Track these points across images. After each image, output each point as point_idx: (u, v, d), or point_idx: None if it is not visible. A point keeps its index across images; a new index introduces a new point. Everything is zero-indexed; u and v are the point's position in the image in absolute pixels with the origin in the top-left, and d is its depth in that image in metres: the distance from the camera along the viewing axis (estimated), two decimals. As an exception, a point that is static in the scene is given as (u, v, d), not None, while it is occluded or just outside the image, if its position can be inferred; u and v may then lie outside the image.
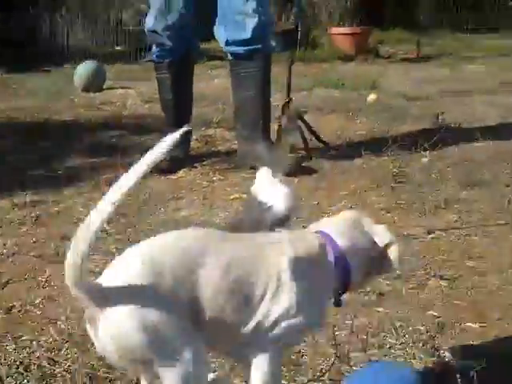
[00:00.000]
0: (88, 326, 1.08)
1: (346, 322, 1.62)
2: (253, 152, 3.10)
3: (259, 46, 3.09)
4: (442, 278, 1.84)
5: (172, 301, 1.06)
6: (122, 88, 5.82)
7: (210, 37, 3.52)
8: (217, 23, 3.18)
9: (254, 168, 3.06)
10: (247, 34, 3.05)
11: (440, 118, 4.22)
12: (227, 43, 3.14)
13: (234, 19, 3.06)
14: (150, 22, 3.20)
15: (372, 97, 5.23)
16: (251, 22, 3.04)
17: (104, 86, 5.85)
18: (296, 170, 3.00)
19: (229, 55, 3.22)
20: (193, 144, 3.63)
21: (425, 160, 3.26)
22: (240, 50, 3.10)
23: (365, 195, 2.71)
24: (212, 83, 6.57)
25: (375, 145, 3.51)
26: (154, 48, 3.27)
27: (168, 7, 3.10)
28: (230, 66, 3.22)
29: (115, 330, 1.04)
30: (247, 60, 3.11)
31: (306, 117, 4.53)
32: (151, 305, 1.05)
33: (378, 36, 10.99)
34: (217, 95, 5.44)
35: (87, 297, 1.05)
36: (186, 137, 3.40)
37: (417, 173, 3.02)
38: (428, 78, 6.82)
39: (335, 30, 9.54)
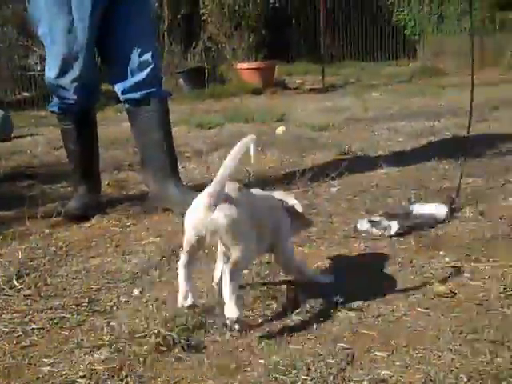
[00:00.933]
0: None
1: (259, 360, 1.63)
2: (164, 195, 3.12)
3: (153, 89, 3.12)
4: (350, 309, 1.89)
5: (250, 215, 1.84)
6: (31, 135, 5.72)
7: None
8: (112, 73, 3.19)
9: (168, 210, 3.07)
10: (141, 79, 3.08)
11: (346, 146, 4.36)
12: (123, 92, 3.14)
13: (128, 68, 3.09)
14: (52, 73, 3.10)
15: (281, 129, 5.34)
16: (145, 69, 3.08)
17: (12, 135, 5.73)
18: None
19: (126, 104, 3.22)
20: (104, 189, 3.60)
21: (333, 190, 3.35)
22: (136, 95, 3.11)
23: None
24: (122, 126, 6.51)
25: (285, 177, 3.58)
26: (55, 99, 3.22)
27: (73, 58, 3.03)
28: (129, 114, 3.23)
29: (228, 214, 1.77)
30: (144, 105, 3.13)
31: (217, 153, 4.63)
32: (245, 213, 1.82)
33: (285, 69, 11.25)
34: (127, 138, 5.40)
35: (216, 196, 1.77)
36: (96, 183, 3.38)
37: (326, 203, 3.09)
38: (334, 107, 7.02)
39: (241, 65, 9.70)
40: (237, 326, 1.78)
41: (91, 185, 3.31)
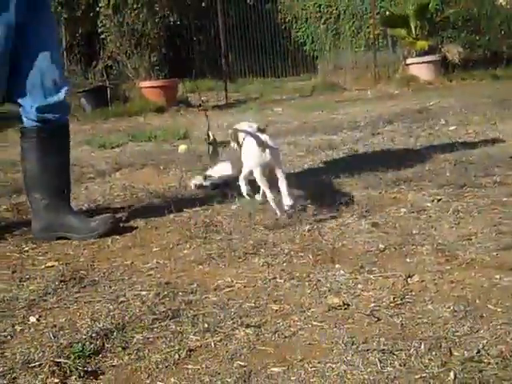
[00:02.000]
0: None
1: (158, 383, 1.63)
2: (61, 222, 3.04)
3: (65, 112, 3.10)
4: (248, 326, 1.91)
5: None
6: None
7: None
8: (21, 91, 3.03)
9: (66, 238, 3.01)
10: (58, 101, 3.01)
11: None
12: (38, 110, 3.01)
13: (44, 86, 2.98)
14: None
15: (182, 147, 5.35)
16: (61, 91, 3.02)
17: None
18: (112, 231, 3.02)
19: (29, 122, 3.08)
20: (2, 214, 3.49)
21: (234, 207, 3.38)
22: (50, 116, 3.02)
23: (177, 249, 2.75)
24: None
25: (186, 196, 3.58)
26: None
27: None
28: (28, 134, 3.09)
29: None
30: (55, 127, 3.07)
31: (119, 173, 4.58)
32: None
33: (189, 86, 11.27)
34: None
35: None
36: None
37: (227, 221, 3.12)
38: (236, 123, 7.08)
39: (144, 83, 9.66)
40: (291, 210, 2.99)
41: None
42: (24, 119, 3.11)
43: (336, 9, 13.13)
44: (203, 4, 12.78)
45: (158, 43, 10.23)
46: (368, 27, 12.49)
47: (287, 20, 13.80)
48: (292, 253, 2.58)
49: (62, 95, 3.02)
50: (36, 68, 2.99)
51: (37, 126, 3.06)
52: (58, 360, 1.74)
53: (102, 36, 10.43)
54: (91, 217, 3.14)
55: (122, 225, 3.16)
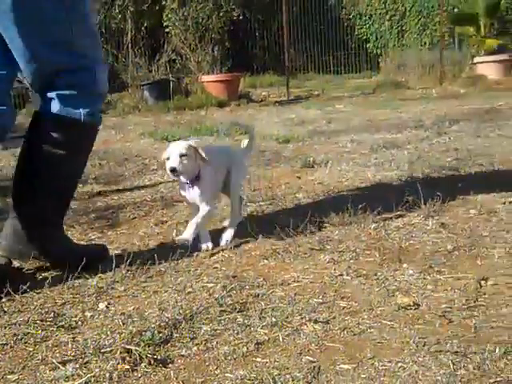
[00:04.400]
0: None
1: (226, 374, 1.64)
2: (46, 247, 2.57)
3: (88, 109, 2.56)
4: (316, 321, 1.90)
5: None
6: None
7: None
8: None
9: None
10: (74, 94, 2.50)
11: (310, 159, 4.41)
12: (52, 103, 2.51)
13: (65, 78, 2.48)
14: None
15: (246, 142, 5.35)
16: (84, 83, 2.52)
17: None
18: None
19: (46, 116, 2.54)
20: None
21: (297, 202, 3.37)
22: (72, 111, 2.51)
23: (242, 243, 2.76)
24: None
25: (250, 191, 3.59)
26: None
27: None
28: (46, 126, 2.54)
29: None
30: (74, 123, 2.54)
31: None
32: None
33: (250, 81, 11.32)
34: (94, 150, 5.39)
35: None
36: None
37: (292, 216, 3.11)
38: (298, 119, 7.08)
39: (206, 77, 9.73)
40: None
41: None
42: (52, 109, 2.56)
43: (402, 5, 12.94)
44: (267, -1, 12.80)
45: (221, 37, 10.29)
46: (434, 25, 12.26)
47: (351, 16, 13.68)
48: (358, 250, 2.55)
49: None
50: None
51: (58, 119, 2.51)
52: (129, 347, 1.76)
53: (167, 30, 10.55)
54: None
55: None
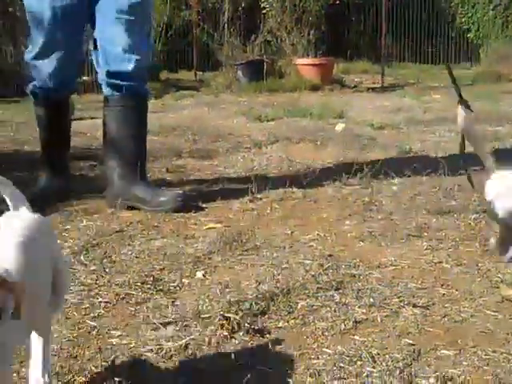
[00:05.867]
0: None
1: (323, 349, 1.64)
2: (132, 192, 3.01)
3: (138, 83, 3.06)
4: (415, 305, 1.87)
5: None
6: (91, 118, 5.81)
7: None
8: (96, 55, 3.10)
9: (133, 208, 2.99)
10: (129, 68, 2.98)
11: (407, 146, 4.33)
12: (109, 75, 3.04)
13: (115, 52, 2.98)
14: (30, 54, 3.11)
15: (340, 126, 5.32)
16: (133, 58, 2.98)
17: (73, 117, 5.84)
18: (180, 208, 2.97)
19: (106, 89, 3.09)
20: (163, 175, 3.66)
21: (394, 188, 3.32)
22: (121, 83, 3.02)
23: (337, 224, 2.74)
24: (181, 113, 6.62)
25: (345, 174, 3.56)
26: (34, 82, 3.19)
27: (54, 43, 3.03)
28: (108, 102, 3.10)
29: None
30: (127, 96, 3.05)
31: (276, 146, 4.64)
32: None
33: (343, 66, 11.20)
34: (187, 125, 5.51)
35: None
36: (64, 170, 3.33)
37: (387, 201, 3.07)
38: (393, 107, 6.95)
39: (300, 60, 9.69)
40: None
41: (57, 171, 3.24)
42: (102, 86, 3.14)
43: (507, -5, 12.47)
44: (365, -17, 12.60)
45: (318, 21, 10.21)
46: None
47: (452, 4, 13.28)
48: (457, 239, 2.49)
49: (129, 66, 2.98)
50: (105, 33, 3.00)
51: (113, 95, 3.06)
52: (227, 315, 1.79)
53: (264, 11, 10.56)
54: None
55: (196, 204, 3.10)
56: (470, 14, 13.14)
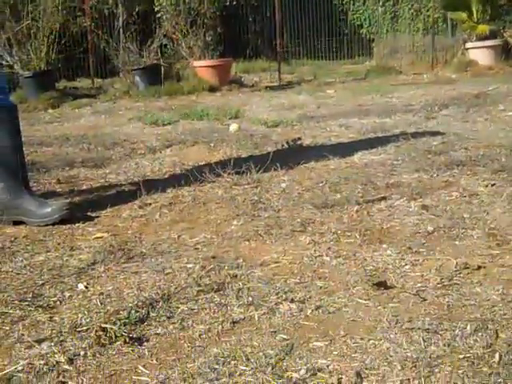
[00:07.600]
0: None
1: (200, 353, 1.65)
2: (14, 204, 2.95)
3: (5, 96, 3.03)
4: (292, 300, 1.91)
5: None
6: None
7: None
8: None
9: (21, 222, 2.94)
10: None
11: (298, 142, 4.41)
12: None
13: None
14: None
15: (234, 126, 5.36)
16: None
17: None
18: (67, 218, 2.94)
19: None
20: (54, 186, 3.57)
21: (283, 185, 3.37)
22: None
23: (224, 225, 2.76)
24: (78, 122, 6.49)
25: (235, 174, 3.59)
26: None
27: None
28: None
29: None
30: None
31: (170, 150, 4.62)
32: None
33: (243, 66, 11.29)
34: (82, 135, 5.39)
35: None
36: None
37: (275, 198, 3.12)
38: (289, 104, 7.07)
39: (197, 62, 9.70)
40: None
41: None
42: None
43: (395, -9, 12.91)
44: (259, -16, 12.73)
45: (213, 23, 10.24)
46: (428, 10, 12.22)
47: (344, 2, 13.63)
48: (339, 232, 2.56)
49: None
50: None
51: None
52: (105, 325, 1.77)
53: (159, 15, 10.50)
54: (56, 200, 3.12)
55: (84, 213, 3.08)
56: (361, 11, 13.52)
